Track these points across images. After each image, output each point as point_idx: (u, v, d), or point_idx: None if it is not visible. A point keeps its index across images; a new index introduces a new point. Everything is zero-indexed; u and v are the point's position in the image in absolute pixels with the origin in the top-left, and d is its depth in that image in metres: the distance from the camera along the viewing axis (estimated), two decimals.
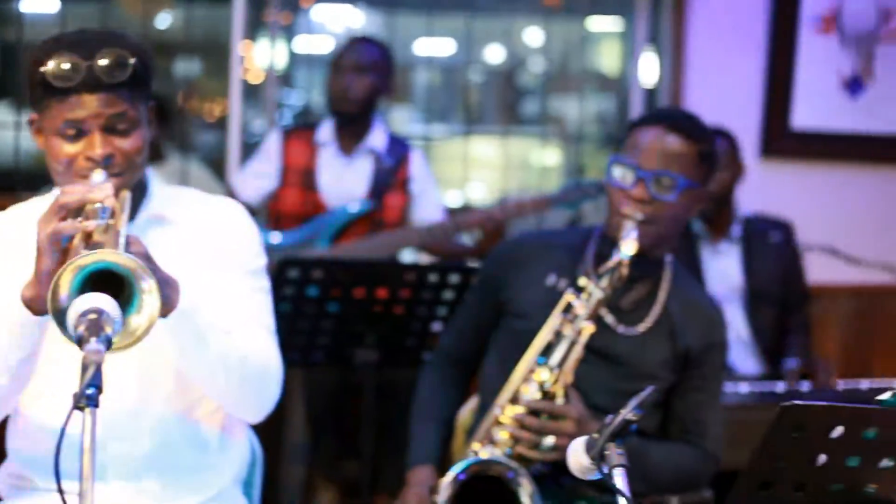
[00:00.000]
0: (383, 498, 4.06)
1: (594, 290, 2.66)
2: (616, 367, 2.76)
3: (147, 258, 2.07)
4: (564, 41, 6.44)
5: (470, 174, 5.99)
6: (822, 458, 2.01)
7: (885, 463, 2.04)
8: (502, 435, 2.68)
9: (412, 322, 3.67)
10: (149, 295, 1.94)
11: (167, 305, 2.13)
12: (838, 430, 1.97)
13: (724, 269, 4.57)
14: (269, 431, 4.51)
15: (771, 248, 4.56)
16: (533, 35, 6.53)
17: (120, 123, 2.27)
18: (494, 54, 6.94)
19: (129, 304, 1.94)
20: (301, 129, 4.66)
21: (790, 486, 2.04)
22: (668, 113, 2.87)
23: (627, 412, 1.90)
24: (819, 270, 4.85)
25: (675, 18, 5.24)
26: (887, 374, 5.11)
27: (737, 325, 4.55)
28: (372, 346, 3.64)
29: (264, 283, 2.51)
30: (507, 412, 2.68)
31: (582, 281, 2.70)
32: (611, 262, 2.65)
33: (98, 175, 2.24)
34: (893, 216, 5.30)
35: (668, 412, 2.85)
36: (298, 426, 4.48)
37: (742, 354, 4.54)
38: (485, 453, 2.67)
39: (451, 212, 4.74)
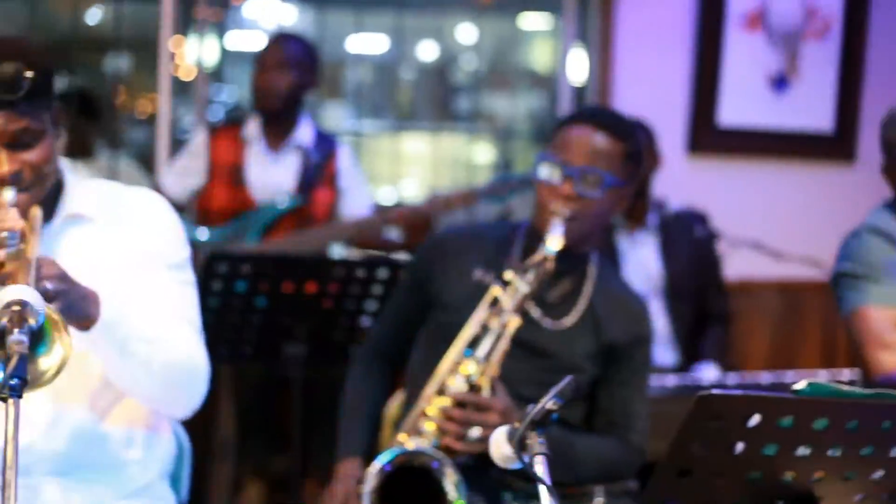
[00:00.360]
0: (312, 484, 4.11)
1: (520, 284, 2.71)
2: (542, 360, 2.82)
3: (62, 279, 2.08)
4: (496, 39, 6.50)
5: (402, 170, 6.04)
6: (740, 446, 2.04)
7: (802, 451, 2.08)
8: (428, 426, 2.72)
9: (340, 316, 3.72)
10: (60, 339, 1.95)
11: (87, 320, 2.16)
12: (755, 419, 2.01)
13: (642, 259, 4.67)
14: (197, 427, 4.52)
15: (693, 242, 4.66)
16: (465, 32, 6.59)
17: (23, 137, 2.23)
18: (427, 51, 7.00)
19: (39, 342, 1.94)
20: (228, 125, 4.72)
21: (708, 475, 2.07)
22: (595, 111, 2.96)
23: (547, 401, 1.94)
24: (745, 266, 4.97)
25: (603, 16, 5.32)
26: (813, 366, 5.24)
27: (655, 316, 4.64)
28: (300, 340, 3.68)
29: (188, 276, 2.50)
30: (433, 404, 2.73)
31: (508, 275, 2.74)
32: (537, 257, 2.70)
33: (8, 193, 2.21)
34: (817, 211, 5.43)
35: (593, 405, 2.91)
36: (227, 422, 4.51)
37: (660, 346, 4.63)
38: (411, 444, 2.71)
39: (381, 207, 4.79)
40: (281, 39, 4.63)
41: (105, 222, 2.44)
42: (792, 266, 4.63)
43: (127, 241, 2.43)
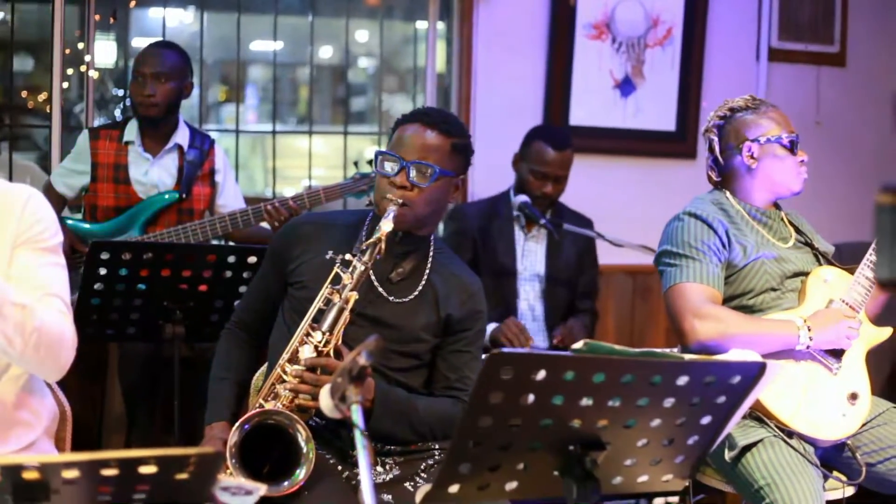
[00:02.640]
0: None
1: (357, 263, 3.02)
2: (387, 331, 3.11)
3: None
4: (390, 41, 6.62)
5: (305, 170, 6.18)
6: (531, 397, 2.28)
7: (586, 401, 2.33)
8: (283, 390, 3.01)
9: (215, 299, 3.99)
10: None
11: None
12: (541, 374, 2.25)
13: (534, 253, 4.97)
14: (90, 403, 4.75)
15: (570, 237, 4.94)
16: (362, 35, 6.72)
17: None
18: (326, 53, 7.10)
19: None
20: (108, 128, 4.82)
21: (506, 422, 2.31)
22: (427, 111, 3.23)
23: (360, 357, 2.21)
24: (599, 253, 5.20)
25: (464, 21, 5.57)
26: (659, 342, 5.53)
27: (533, 304, 4.95)
28: (179, 321, 3.94)
29: (60, 259, 2.78)
30: (287, 371, 3.02)
31: (348, 256, 3.05)
32: (372, 239, 3.02)
33: None
34: (661, 204, 5.68)
35: (432, 371, 3.22)
36: (118, 398, 4.70)
37: (534, 331, 4.93)
38: (269, 406, 3.00)
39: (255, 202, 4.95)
40: (156, 49, 4.74)
41: None
42: (640, 253, 4.83)
43: (9, 228, 2.71)
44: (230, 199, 4.79)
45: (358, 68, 7.37)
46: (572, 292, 5.03)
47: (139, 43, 6.33)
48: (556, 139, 4.94)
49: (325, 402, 2.30)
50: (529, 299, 4.98)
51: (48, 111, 5.36)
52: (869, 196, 6.15)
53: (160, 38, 5.23)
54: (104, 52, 5.85)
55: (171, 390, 4.01)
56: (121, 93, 6.17)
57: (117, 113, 6.13)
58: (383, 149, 3.19)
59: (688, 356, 2.51)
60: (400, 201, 3.05)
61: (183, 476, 2.10)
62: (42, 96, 6.02)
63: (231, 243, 4.69)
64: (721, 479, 3.56)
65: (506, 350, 2.28)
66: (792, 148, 3.65)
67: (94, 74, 5.49)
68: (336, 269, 3.05)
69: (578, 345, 2.37)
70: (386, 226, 3.01)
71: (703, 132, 3.77)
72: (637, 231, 5.10)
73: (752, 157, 3.65)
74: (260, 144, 6.92)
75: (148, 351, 4.49)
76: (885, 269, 1.84)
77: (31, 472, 2.01)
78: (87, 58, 5.45)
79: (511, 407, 2.29)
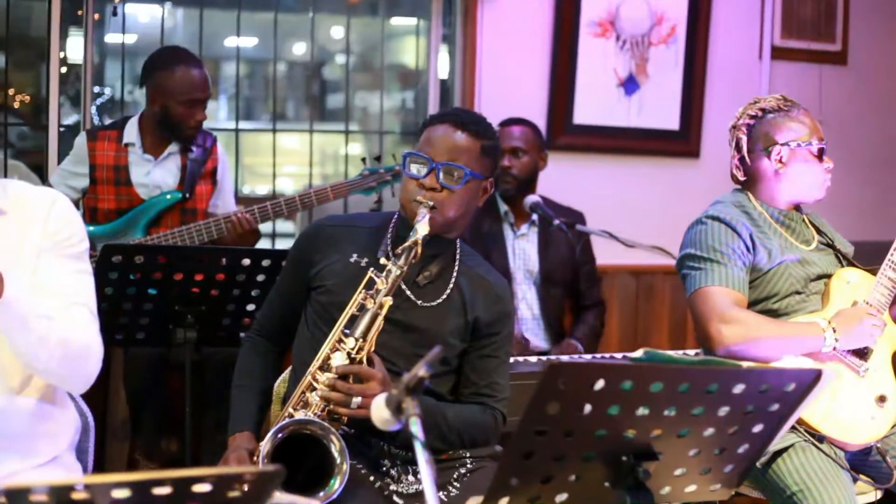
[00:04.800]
0: (203, 465, 4.22)
1: (393, 268, 2.94)
2: (414, 336, 3.05)
3: None
4: (366, 38, 6.62)
5: (278, 166, 6.15)
6: (588, 407, 2.24)
7: (642, 411, 2.30)
8: (314, 398, 2.93)
9: (228, 303, 3.92)
10: None
11: None
12: (600, 384, 2.21)
13: (525, 251, 4.92)
14: (94, 409, 4.67)
15: (569, 237, 4.88)
16: (337, 31, 6.69)
17: None
18: (300, 50, 7.07)
19: None
20: (107, 129, 4.77)
21: (561, 433, 2.27)
22: (456, 112, 3.17)
23: (419, 370, 2.14)
24: (601, 253, 5.18)
25: (467, 21, 5.54)
26: (662, 344, 5.52)
27: (531, 303, 4.91)
28: (191, 325, 3.86)
29: (86, 266, 2.70)
30: (318, 378, 2.94)
31: (383, 260, 2.98)
32: (408, 243, 2.94)
33: None
34: (665, 203, 5.69)
35: (460, 377, 3.15)
36: (122, 404, 4.61)
37: (533, 330, 4.89)
38: (300, 415, 2.92)
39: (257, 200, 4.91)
40: (203, 73, 4.69)
41: (14, 215, 2.64)
42: (642, 253, 4.81)
43: (33, 232, 2.63)
44: (227, 199, 4.75)
45: (336, 65, 7.33)
46: (567, 288, 5.00)
47: (115, 40, 6.30)
48: (508, 120, 4.99)
49: (380, 413, 2.23)
50: (527, 298, 4.94)
51: (27, 110, 5.27)
52: (871, 194, 6.19)
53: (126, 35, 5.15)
54: (76, 48, 5.75)
55: (177, 395, 3.97)
56: (96, 89, 6.10)
57: (93, 110, 6.05)
58: (411, 150, 3.12)
59: (745, 364, 2.47)
60: (431, 204, 2.98)
61: (236, 494, 2.02)
62: (11, 91, 5.96)
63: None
64: (751, 486, 3.52)
65: (564, 360, 2.22)
66: (820, 155, 3.63)
67: (73, 70, 5.45)
68: (370, 274, 2.98)
69: (637, 353, 2.34)
70: (422, 229, 2.95)
71: (731, 129, 3.70)
72: (640, 229, 5.11)
73: (780, 161, 3.60)
74: (232, 142, 6.90)
75: (154, 355, 4.43)
76: None
77: (79, 492, 1.93)
78: (61, 54, 5.40)
79: (567, 418, 2.26)
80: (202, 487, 1.98)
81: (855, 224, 5.38)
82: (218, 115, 7.32)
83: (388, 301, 2.95)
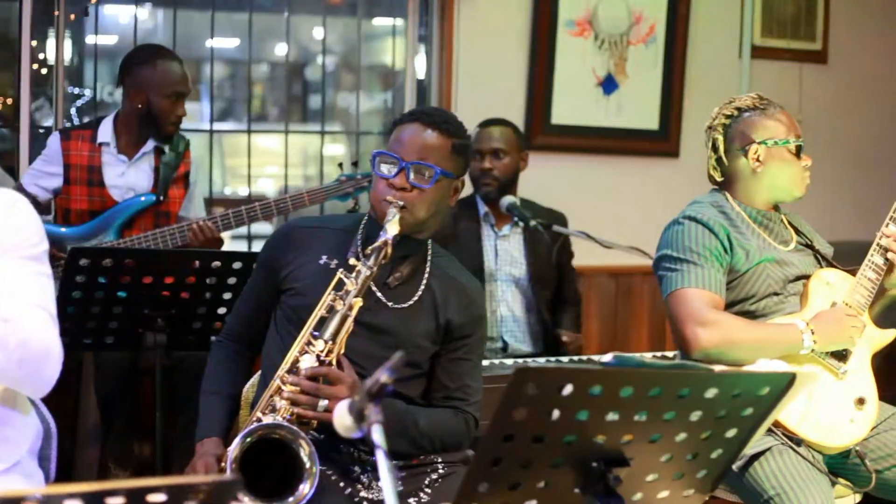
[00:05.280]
0: (174, 471, 4.19)
1: (363, 268, 2.91)
2: (384, 338, 3.02)
3: None
4: (345, 38, 6.63)
5: (259, 167, 6.14)
6: (556, 413, 2.21)
7: (611, 416, 2.27)
8: (283, 402, 2.90)
9: (198, 306, 3.88)
10: None
11: None
12: (568, 388, 2.17)
13: (509, 252, 4.90)
14: (64, 415, 4.63)
15: (552, 238, 4.86)
16: (318, 32, 6.69)
17: None
18: (281, 51, 7.08)
19: None
20: (80, 129, 4.75)
21: (529, 439, 2.24)
22: (426, 111, 3.15)
23: (382, 375, 2.10)
24: (579, 255, 5.17)
25: (444, 20, 5.53)
26: (642, 346, 5.52)
27: (512, 305, 4.88)
28: (160, 329, 3.84)
29: (45, 269, 2.63)
30: (286, 382, 2.91)
31: (352, 261, 2.95)
32: (377, 243, 2.91)
33: None
34: (644, 202, 5.69)
35: (431, 380, 3.12)
36: (93, 409, 4.58)
37: (514, 332, 4.86)
38: (268, 419, 2.88)
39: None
40: (183, 69, 4.70)
41: None
42: (623, 254, 4.79)
43: None
44: (196, 204, 4.73)
45: (315, 65, 7.32)
46: (550, 291, 4.97)
47: (93, 41, 6.26)
48: (486, 122, 4.98)
49: (341, 420, 2.19)
50: (508, 301, 4.91)
51: (12, 116, 5.26)
52: (851, 193, 6.19)
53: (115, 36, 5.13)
54: (61, 49, 5.71)
55: (149, 400, 3.94)
56: (76, 90, 6.07)
57: (73, 111, 6.02)
58: (382, 150, 3.08)
59: (717, 367, 2.44)
60: (400, 203, 2.95)
61: None
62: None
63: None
64: (728, 490, 3.50)
65: (532, 365, 2.19)
66: (798, 153, 3.60)
67: (49, 72, 5.43)
68: (339, 275, 2.94)
69: (607, 357, 2.29)
70: (392, 229, 2.92)
71: (707, 129, 3.68)
72: (620, 230, 5.13)
73: (758, 159, 3.57)
74: (217, 143, 6.89)
75: (125, 360, 4.39)
76: None
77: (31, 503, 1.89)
78: (45, 55, 5.39)
79: (535, 423, 2.24)
80: (157, 497, 1.94)
81: (835, 224, 5.40)
82: (202, 115, 7.32)
83: (358, 302, 2.92)
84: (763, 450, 3.31)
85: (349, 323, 2.92)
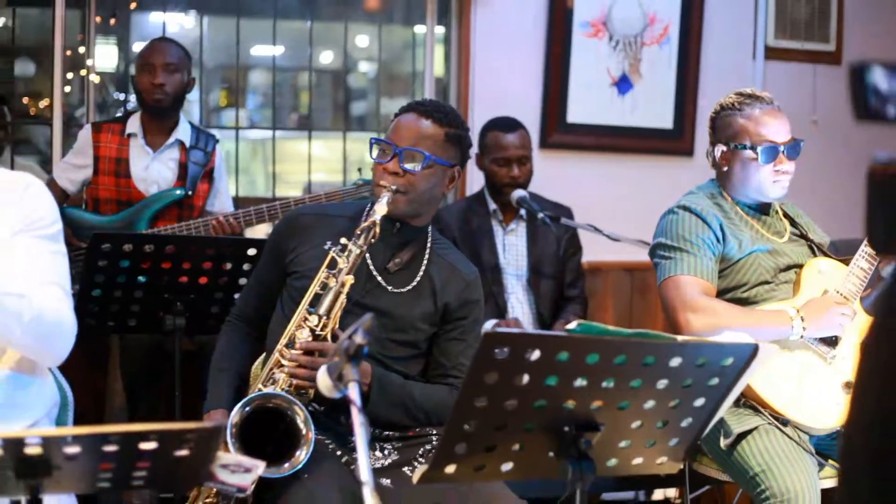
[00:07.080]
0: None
1: (353, 247, 3.05)
2: (385, 321, 3.16)
3: None
4: (390, 45, 6.66)
5: (305, 174, 6.22)
6: (525, 378, 2.30)
7: (580, 382, 2.35)
8: (281, 374, 3.05)
9: (215, 291, 4.01)
10: None
11: None
12: (535, 354, 2.27)
13: (515, 246, 4.99)
14: (91, 396, 4.78)
15: (549, 229, 4.93)
16: (362, 39, 6.76)
17: None
18: (327, 58, 7.14)
19: None
20: (111, 122, 4.91)
21: (501, 403, 2.32)
22: (423, 102, 3.28)
23: (357, 337, 2.23)
24: (594, 250, 5.25)
25: (461, 21, 5.62)
26: None
27: (521, 298, 4.98)
28: (180, 313, 3.97)
29: (60, 247, 2.81)
30: (284, 355, 3.06)
31: (343, 240, 3.09)
32: (366, 223, 3.06)
33: None
34: (659, 202, 5.70)
35: (430, 359, 3.26)
36: (119, 391, 4.72)
37: (527, 326, 4.94)
38: (267, 390, 3.03)
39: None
40: (163, 42, 4.87)
41: None
42: (637, 249, 4.81)
43: (6, 214, 2.75)
44: (223, 200, 4.88)
45: (358, 73, 7.38)
46: (557, 282, 5.06)
47: (140, 47, 6.33)
48: (504, 124, 5.06)
49: (323, 381, 2.32)
50: (517, 293, 5.01)
51: (49, 116, 5.40)
52: (864, 194, 6.19)
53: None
54: (105, 56, 5.88)
55: (172, 382, 4.03)
56: (122, 97, 6.20)
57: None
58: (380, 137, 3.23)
59: (681, 337, 2.54)
60: (394, 188, 3.10)
61: (183, 452, 2.13)
62: (44, 102, 6.06)
63: None
64: (717, 468, 3.59)
65: (500, 330, 2.29)
66: (771, 157, 3.59)
67: (94, 79, 5.53)
68: (332, 254, 3.09)
69: (572, 325, 2.37)
70: (380, 209, 3.06)
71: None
72: (635, 228, 5.10)
73: (723, 159, 3.66)
74: (261, 148, 6.95)
75: (150, 342, 4.53)
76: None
77: (32, 447, 2.04)
78: (89, 62, 5.49)
79: (506, 387, 2.31)
80: (149, 445, 2.10)
81: (847, 222, 5.42)
82: (247, 121, 7.39)
83: (350, 279, 3.06)
84: (750, 429, 3.40)
85: (342, 298, 3.06)
